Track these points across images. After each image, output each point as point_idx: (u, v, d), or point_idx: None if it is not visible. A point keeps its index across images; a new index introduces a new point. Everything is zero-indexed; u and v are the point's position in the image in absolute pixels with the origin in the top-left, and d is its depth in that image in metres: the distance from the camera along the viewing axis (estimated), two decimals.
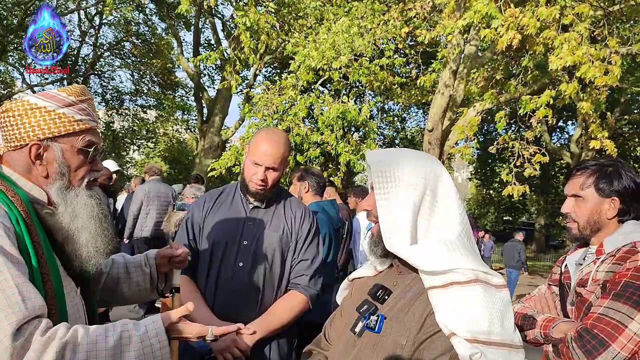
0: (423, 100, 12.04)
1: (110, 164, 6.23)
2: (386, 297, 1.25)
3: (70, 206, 1.27)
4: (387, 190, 1.21)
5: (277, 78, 11.38)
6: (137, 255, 1.62)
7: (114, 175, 6.13)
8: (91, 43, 18.57)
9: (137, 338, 1.15)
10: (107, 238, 1.35)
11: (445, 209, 1.20)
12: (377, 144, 10.83)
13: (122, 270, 1.56)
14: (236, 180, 2.19)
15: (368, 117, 8.82)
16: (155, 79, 19.22)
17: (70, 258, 1.30)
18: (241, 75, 13.37)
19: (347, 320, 1.31)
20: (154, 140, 23.98)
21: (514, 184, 8.10)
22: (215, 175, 8.56)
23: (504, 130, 9.96)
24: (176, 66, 19.07)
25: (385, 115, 18.20)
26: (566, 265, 1.79)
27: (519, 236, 12.95)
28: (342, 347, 1.27)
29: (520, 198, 9.70)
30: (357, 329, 1.23)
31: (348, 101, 8.30)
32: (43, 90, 2.82)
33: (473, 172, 28.80)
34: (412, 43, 10.44)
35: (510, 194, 7.97)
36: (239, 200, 2.06)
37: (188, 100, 21.39)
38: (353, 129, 12.19)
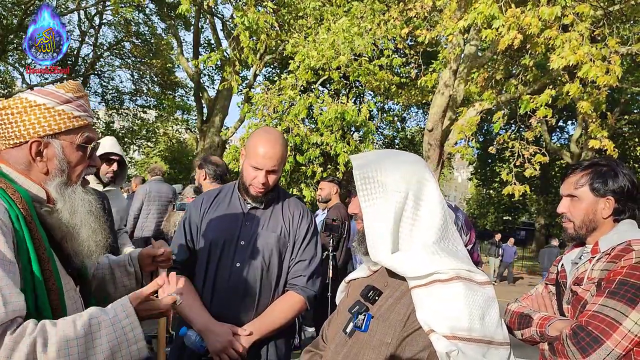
0: (423, 100, 12.03)
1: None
2: (377, 298, 1.26)
3: (69, 202, 1.27)
4: (370, 197, 1.22)
5: (276, 78, 11.39)
6: (121, 255, 1.62)
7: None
8: (91, 43, 18.59)
9: (107, 322, 1.15)
10: (106, 232, 1.36)
11: (429, 212, 1.20)
12: (376, 144, 10.84)
13: (107, 271, 1.56)
14: (236, 180, 2.18)
15: (367, 117, 8.84)
16: (155, 79, 19.23)
17: (70, 255, 1.30)
18: (241, 75, 13.38)
19: (341, 321, 1.33)
20: (154, 140, 24.00)
21: (514, 184, 8.11)
22: None
23: (504, 130, 9.97)
24: (176, 66, 19.10)
25: (385, 115, 18.19)
26: (563, 265, 1.79)
27: (555, 242, 12.99)
28: (334, 347, 1.28)
29: (520, 198, 9.70)
30: (348, 329, 1.25)
31: (347, 102, 8.32)
32: None
33: (473, 172, 28.79)
34: (412, 43, 10.44)
35: (511, 193, 7.98)
36: (237, 200, 2.05)
37: (188, 100, 21.42)
38: (353, 129, 12.21)
